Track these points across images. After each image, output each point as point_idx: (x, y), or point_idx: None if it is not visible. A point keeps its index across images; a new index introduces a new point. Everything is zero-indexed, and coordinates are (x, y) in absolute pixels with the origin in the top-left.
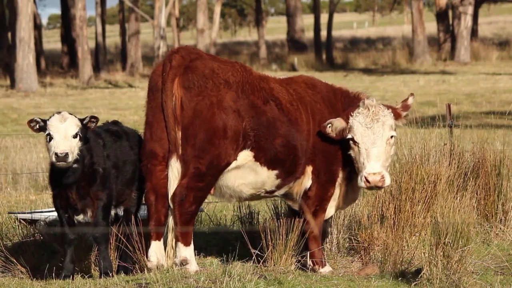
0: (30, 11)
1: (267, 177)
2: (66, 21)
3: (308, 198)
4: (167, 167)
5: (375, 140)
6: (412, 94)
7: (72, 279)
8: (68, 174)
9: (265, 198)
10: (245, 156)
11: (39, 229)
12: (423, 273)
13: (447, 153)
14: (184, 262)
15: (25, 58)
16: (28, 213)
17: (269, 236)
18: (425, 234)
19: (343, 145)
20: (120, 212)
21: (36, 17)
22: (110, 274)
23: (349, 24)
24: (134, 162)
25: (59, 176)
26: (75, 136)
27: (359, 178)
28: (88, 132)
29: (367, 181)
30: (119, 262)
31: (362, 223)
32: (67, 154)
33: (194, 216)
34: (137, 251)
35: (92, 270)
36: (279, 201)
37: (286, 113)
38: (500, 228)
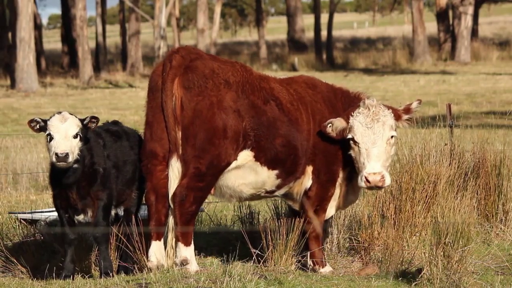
0: (31, 11)
1: (267, 177)
2: (66, 21)
3: (309, 198)
4: (168, 167)
5: (375, 140)
6: (419, 101)
7: (73, 279)
8: (69, 174)
9: (265, 198)
10: (246, 156)
11: (40, 229)
12: (424, 273)
13: (447, 153)
14: (184, 262)
15: (25, 58)
16: (28, 213)
17: (269, 236)
18: (425, 234)
19: (344, 145)
20: (120, 212)
21: (36, 17)
22: (111, 274)
23: (349, 24)
24: (134, 162)
25: (60, 176)
26: (75, 136)
27: (359, 178)
28: (89, 132)
29: (367, 181)
30: (119, 262)
31: (363, 223)
32: (67, 154)
33: (195, 216)
34: (137, 251)
35: (93, 270)
36: (279, 201)
37: (286, 113)
38: (501, 228)
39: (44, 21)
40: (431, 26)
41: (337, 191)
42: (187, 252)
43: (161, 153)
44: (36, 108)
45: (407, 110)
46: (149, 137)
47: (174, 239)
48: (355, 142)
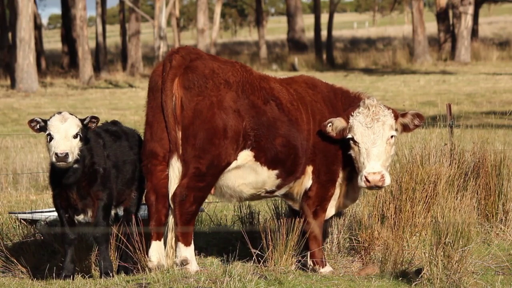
0: (31, 11)
1: (267, 177)
2: (66, 21)
3: (309, 198)
4: (168, 167)
5: (375, 140)
6: (421, 117)
7: (73, 279)
8: (69, 174)
9: (266, 198)
10: (246, 156)
11: (40, 229)
12: (424, 273)
13: (447, 153)
14: (184, 262)
15: (25, 58)
16: (28, 213)
17: (269, 236)
18: (425, 234)
19: (344, 145)
20: (120, 212)
21: (36, 17)
22: (111, 274)
23: (349, 24)
24: (134, 162)
25: (60, 176)
26: (75, 136)
27: (359, 177)
28: (89, 132)
29: (367, 180)
30: (119, 262)
31: (363, 223)
32: (67, 154)
33: (195, 216)
34: (137, 251)
35: (93, 270)
36: (279, 201)
37: (286, 113)
38: (501, 228)
39: (44, 21)
40: (431, 26)
41: (337, 191)
42: (187, 252)
43: (161, 153)
44: (36, 108)
45: (404, 115)
46: (149, 137)
47: (174, 239)
48: (355, 142)
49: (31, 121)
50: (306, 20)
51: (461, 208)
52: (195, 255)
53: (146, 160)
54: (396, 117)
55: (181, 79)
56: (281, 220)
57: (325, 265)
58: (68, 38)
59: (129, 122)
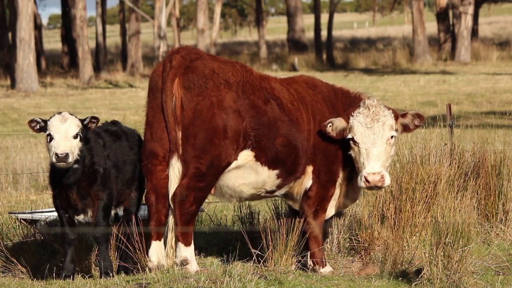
0: (31, 11)
1: (267, 177)
2: (66, 21)
3: (309, 198)
4: (168, 167)
5: (375, 140)
6: (421, 118)
7: (73, 279)
8: (69, 174)
9: (266, 198)
10: (246, 156)
11: (40, 229)
12: (424, 273)
13: (447, 153)
14: (184, 262)
15: (25, 58)
16: (28, 213)
17: (269, 236)
18: (425, 234)
19: (344, 145)
20: (120, 212)
21: (36, 17)
22: (111, 274)
23: (349, 24)
24: (134, 162)
25: (60, 176)
26: (75, 137)
27: (359, 178)
28: (89, 132)
29: (367, 181)
30: (119, 262)
31: (363, 223)
32: (67, 154)
33: (195, 216)
34: (137, 251)
35: (93, 270)
36: (279, 201)
37: (287, 113)
38: (501, 228)
39: (44, 21)
40: (431, 26)
41: (337, 191)
42: (187, 252)
43: (161, 153)
44: (36, 108)
45: (404, 115)
46: (149, 137)
47: (174, 239)
48: (355, 142)
49: (31, 121)
50: (306, 20)
51: (461, 208)
52: (195, 255)
53: (146, 160)
54: (396, 118)
55: (181, 79)
56: (281, 220)
57: (325, 265)
58: (68, 38)
59: (129, 122)
